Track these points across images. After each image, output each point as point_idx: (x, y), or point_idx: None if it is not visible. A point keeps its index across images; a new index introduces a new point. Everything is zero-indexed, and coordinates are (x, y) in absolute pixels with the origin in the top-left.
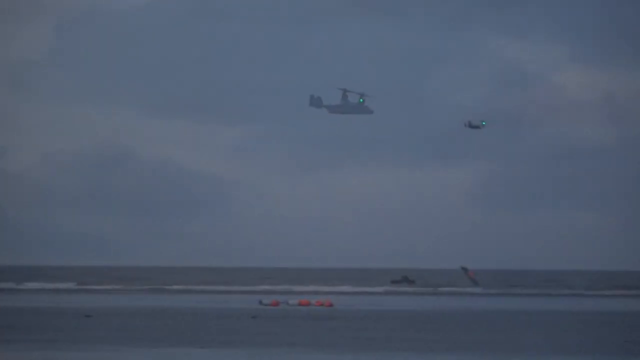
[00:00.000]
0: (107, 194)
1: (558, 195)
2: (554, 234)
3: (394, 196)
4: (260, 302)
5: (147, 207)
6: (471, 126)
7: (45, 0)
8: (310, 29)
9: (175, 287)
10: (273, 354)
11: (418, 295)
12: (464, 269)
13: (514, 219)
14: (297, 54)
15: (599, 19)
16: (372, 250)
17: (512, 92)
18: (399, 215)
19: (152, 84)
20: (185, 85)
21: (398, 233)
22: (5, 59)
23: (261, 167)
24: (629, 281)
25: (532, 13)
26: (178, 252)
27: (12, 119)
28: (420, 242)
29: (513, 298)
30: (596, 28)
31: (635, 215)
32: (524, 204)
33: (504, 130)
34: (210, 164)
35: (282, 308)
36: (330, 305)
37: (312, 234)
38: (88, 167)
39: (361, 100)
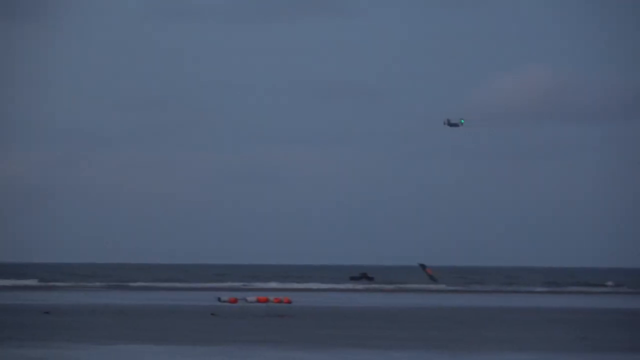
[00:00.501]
0: None
1: (518, 192)
2: (513, 231)
3: (355, 194)
4: (219, 299)
5: None
6: (450, 124)
7: None
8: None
9: (135, 284)
10: (231, 351)
11: (377, 292)
12: (422, 266)
13: (473, 217)
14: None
15: None
16: (331, 247)
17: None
18: (358, 213)
19: None
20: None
21: (357, 230)
22: None
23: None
24: (589, 278)
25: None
26: (140, 249)
27: None
28: (379, 239)
29: (472, 295)
30: None
31: (596, 211)
32: (482, 201)
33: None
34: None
35: (240, 305)
36: (289, 302)
37: (270, 231)
38: None
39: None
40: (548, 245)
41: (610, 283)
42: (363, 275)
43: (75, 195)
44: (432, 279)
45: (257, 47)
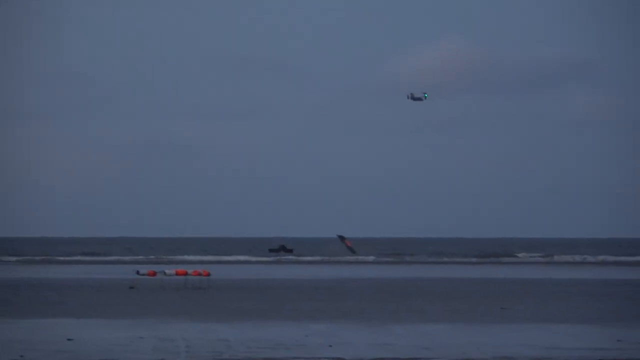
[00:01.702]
0: None
1: (439, 163)
2: (436, 203)
3: (271, 166)
4: (138, 273)
5: None
6: (413, 98)
7: None
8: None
9: (53, 257)
10: (150, 324)
11: (297, 264)
12: (341, 238)
13: (390, 189)
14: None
15: None
16: (249, 220)
17: None
18: (274, 185)
19: None
20: None
21: (275, 203)
22: None
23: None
24: (512, 249)
25: None
26: (57, 223)
27: None
28: (297, 211)
29: (393, 266)
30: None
31: (514, 183)
32: (396, 173)
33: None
34: None
35: (159, 278)
36: (208, 275)
37: (187, 204)
38: None
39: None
40: (469, 216)
41: (522, 254)
42: (282, 248)
43: None
44: (351, 251)
45: (170, 21)
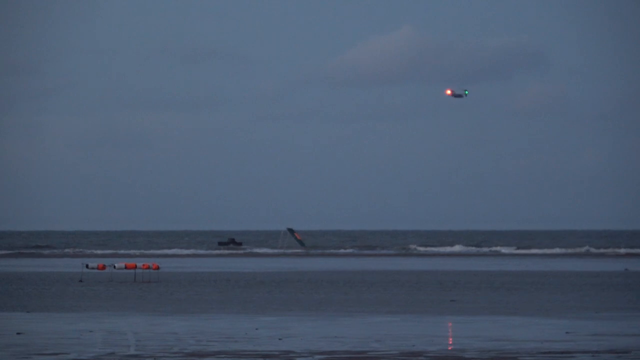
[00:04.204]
0: None
1: (391, 153)
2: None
3: (223, 159)
4: (87, 266)
5: None
6: (455, 95)
7: None
8: None
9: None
10: (98, 317)
11: (247, 256)
12: (291, 230)
13: (338, 180)
14: None
15: None
16: (199, 213)
17: None
18: (226, 178)
19: None
20: None
21: (225, 196)
22: None
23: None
24: (465, 240)
25: None
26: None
27: None
28: (247, 204)
29: (344, 259)
30: None
31: (456, 172)
32: (344, 164)
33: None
34: None
35: (108, 271)
36: (157, 268)
37: (137, 197)
38: None
39: None
40: (420, 208)
41: (457, 247)
42: (231, 241)
43: None
44: (301, 243)
45: (121, 11)
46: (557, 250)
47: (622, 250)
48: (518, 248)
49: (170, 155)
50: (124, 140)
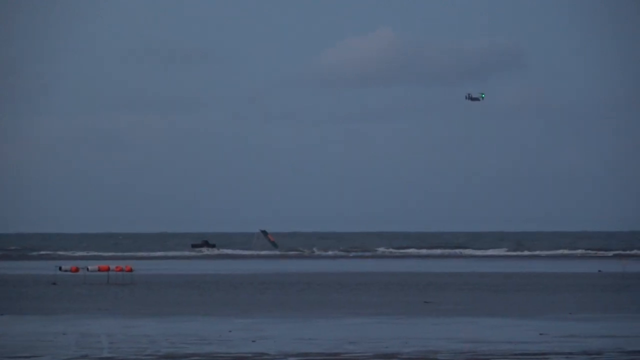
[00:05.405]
0: None
1: (369, 154)
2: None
3: (201, 160)
4: (60, 269)
5: None
6: (471, 98)
7: None
8: None
9: None
10: (70, 319)
11: (220, 258)
12: (264, 232)
13: (316, 182)
14: None
15: None
16: (174, 215)
17: None
18: (200, 180)
19: None
20: None
21: (199, 198)
22: None
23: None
24: (436, 241)
25: None
26: None
27: None
28: (220, 206)
29: (319, 261)
30: None
31: (440, 173)
32: (324, 166)
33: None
34: None
35: (81, 274)
36: (130, 270)
37: (113, 198)
38: None
39: None
40: (397, 208)
41: (440, 251)
42: (204, 243)
43: None
44: (274, 245)
45: (97, 13)
46: (538, 252)
47: (595, 252)
48: (480, 249)
49: (148, 157)
50: (103, 141)
